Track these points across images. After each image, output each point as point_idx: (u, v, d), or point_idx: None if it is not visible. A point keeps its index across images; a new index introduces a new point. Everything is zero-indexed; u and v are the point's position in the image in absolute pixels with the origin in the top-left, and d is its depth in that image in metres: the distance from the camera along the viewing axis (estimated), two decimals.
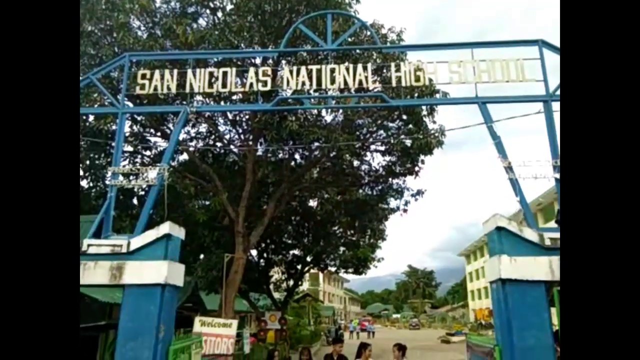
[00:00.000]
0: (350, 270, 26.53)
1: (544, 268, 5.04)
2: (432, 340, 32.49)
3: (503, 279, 5.06)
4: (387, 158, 15.85)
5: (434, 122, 13.40)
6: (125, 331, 5.12)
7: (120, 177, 6.52)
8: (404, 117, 13.54)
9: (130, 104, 11.19)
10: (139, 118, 14.48)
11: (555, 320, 5.03)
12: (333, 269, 28.71)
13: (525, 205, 5.66)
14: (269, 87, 6.95)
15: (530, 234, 5.27)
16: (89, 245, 5.55)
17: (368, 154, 16.07)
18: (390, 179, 17.25)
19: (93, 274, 5.39)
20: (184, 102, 7.39)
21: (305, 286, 48.33)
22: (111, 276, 5.35)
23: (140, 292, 5.27)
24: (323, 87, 6.82)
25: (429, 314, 77.47)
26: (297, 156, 16.73)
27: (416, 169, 15.22)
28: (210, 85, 6.89)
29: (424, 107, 12.87)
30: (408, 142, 13.79)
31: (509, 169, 5.74)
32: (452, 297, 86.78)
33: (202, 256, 19.36)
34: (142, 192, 16.13)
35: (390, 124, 14.29)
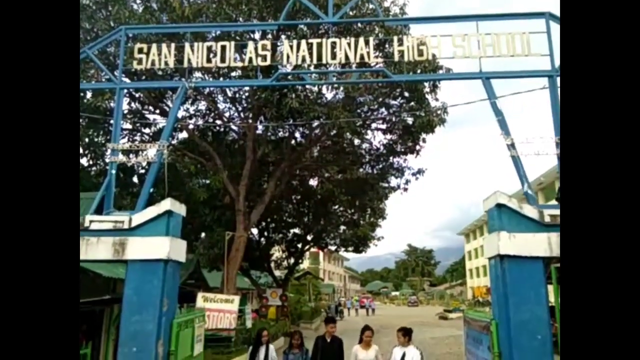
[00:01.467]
0: (350, 249, 26.78)
1: (542, 244, 5.06)
2: (430, 317, 32.98)
3: (501, 254, 5.08)
4: (388, 136, 15.80)
5: (437, 100, 13.30)
6: (130, 305, 5.19)
7: (120, 155, 6.50)
8: (406, 94, 13.42)
9: (128, 80, 11.08)
10: (137, 95, 14.36)
11: (551, 297, 5.07)
12: (333, 248, 28.96)
13: (526, 182, 5.66)
14: (268, 62, 6.85)
15: (530, 211, 5.27)
16: (91, 222, 5.57)
17: (369, 132, 16.01)
18: (391, 158, 17.23)
19: (96, 250, 5.43)
20: (183, 78, 7.31)
21: (305, 264, 48.85)
22: (114, 252, 5.40)
23: (143, 267, 5.32)
24: (324, 62, 6.72)
25: (428, 291, 78.46)
26: (297, 135, 16.66)
27: (417, 147, 15.18)
28: (209, 60, 6.79)
29: (426, 84, 12.73)
30: (410, 120, 13.71)
31: (511, 146, 5.71)
32: (451, 275, 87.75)
33: (203, 235, 19.53)
34: (143, 170, 16.14)
35: (392, 102, 14.18)
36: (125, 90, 10.56)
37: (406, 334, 6.20)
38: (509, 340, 4.86)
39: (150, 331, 5.06)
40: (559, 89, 5.85)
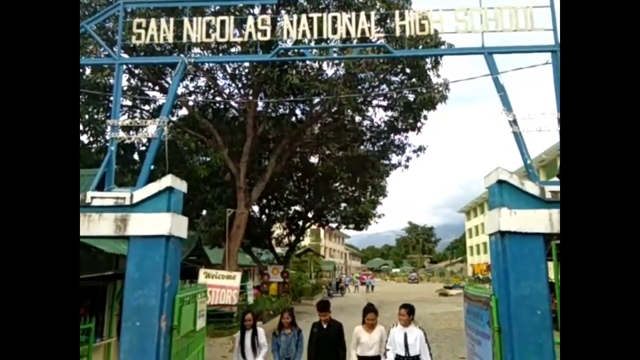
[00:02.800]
0: (350, 226, 26.95)
1: (543, 221, 5.06)
2: (430, 294, 33.47)
3: (502, 231, 5.08)
4: (389, 113, 15.70)
5: (438, 76, 13.14)
6: (132, 280, 5.23)
7: (120, 132, 6.46)
8: (408, 70, 13.25)
9: (127, 56, 10.93)
10: (136, 72, 14.20)
11: (551, 274, 5.09)
12: (334, 225, 29.14)
13: (528, 159, 5.62)
14: (268, 37, 6.73)
15: (531, 187, 5.25)
16: (92, 198, 5.57)
17: (370, 109, 15.90)
18: (392, 135, 17.17)
19: (97, 226, 5.44)
20: (182, 54, 7.20)
21: (306, 242, 49.28)
22: (116, 227, 5.41)
23: (145, 243, 5.34)
24: (324, 37, 6.61)
25: (428, 268, 79.42)
26: (297, 112, 16.56)
27: (418, 124, 15.09)
28: (208, 35, 6.66)
29: (428, 60, 12.55)
30: (411, 97, 13.58)
31: (513, 122, 5.65)
32: (451, 252, 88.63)
33: (204, 212, 19.65)
34: (143, 148, 16.11)
35: (393, 78, 14.02)
36: (125, 67, 10.43)
37: (411, 312, 5.64)
38: (508, 315, 4.90)
39: (153, 306, 5.11)
40: None
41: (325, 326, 5.93)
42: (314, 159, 21.19)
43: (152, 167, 6.61)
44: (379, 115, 17.38)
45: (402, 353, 5.47)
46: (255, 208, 22.41)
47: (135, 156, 17.51)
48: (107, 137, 7.86)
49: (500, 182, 5.26)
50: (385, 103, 15.18)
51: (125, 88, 14.40)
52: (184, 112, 17.27)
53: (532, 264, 4.98)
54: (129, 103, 15.57)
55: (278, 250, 27.94)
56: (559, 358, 4.76)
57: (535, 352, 4.71)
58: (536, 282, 4.93)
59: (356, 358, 5.70)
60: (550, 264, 5.15)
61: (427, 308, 21.88)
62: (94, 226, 5.45)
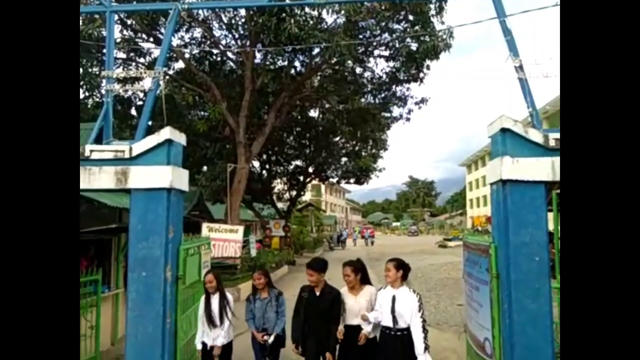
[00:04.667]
0: (351, 180, 27.02)
1: (545, 169, 5.01)
2: (429, 246, 34.14)
3: (504, 180, 5.04)
4: (391, 64, 15.30)
5: (442, 23, 12.66)
6: (136, 233, 5.28)
7: (116, 84, 6.30)
8: (410, 17, 12.75)
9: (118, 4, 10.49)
10: (129, 22, 13.70)
11: (550, 225, 5.10)
12: (334, 180, 29.25)
13: (533, 106, 5.50)
14: None
15: (535, 135, 5.16)
16: (91, 151, 5.52)
17: (371, 59, 15.50)
18: (393, 87, 16.83)
19: (98, 179, 5.43)
20: (175, 1, 6.88)
21: (307, 196, 49.71)
22: (117, 181, 5.39)
23: (146, 196, 5.35)
24: None
25: (428, 222, 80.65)
26: (297, 63, 16.14)
27: (421, 75, 14.74)
28: None
29: (432, 6, 12.04)
30: (414, 46, 13.16)
31: (519, 68, 5.48)
32: (451, 206, 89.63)
33: (205, 168, 19.67)
34: (141, 102, 15.87)
35: (396, 26, 13.51)
36: (117, 17, 10.03)
37: (400, 267, 4.40)
38: (507, 262, 4.94)
39: (158, 257, 5.19)
40: None
41: (317, 293, 4.70)
42: (314, 113, 20.94)
43: (150, 122, 6.51)
44: (380, 66, 17.07)
45: (388, 323, 4.23)
46: (256, 164, 22.42)
47: (133, 111, 17.29)
48: (103, 91, 7.70)
49: (504, 131, 5.17)
50: (387, 53, 14.75)
51: (118, 40, 13.96)
52: (180, 65, 16.86)
53: (532, 212, 4.98)
54: (123, 56, 15.16)
55: (279, 205, 28.22)
56: (556, 303, 4.92)
57: (532, 297, 4.80)
58: (536, 229, 4.96)
59: (341, 336, 4.53)
60: (550, 215, 5.15)
61: (427, 259, 22.39)
62: (95, 179, 5.43)
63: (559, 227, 4.70)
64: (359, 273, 4.62)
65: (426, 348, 4.01)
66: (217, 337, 4.93)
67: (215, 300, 5.06)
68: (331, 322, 4.56)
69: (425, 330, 4.13)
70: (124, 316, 5.46)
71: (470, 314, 6.08)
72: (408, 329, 4.14)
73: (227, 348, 4.97)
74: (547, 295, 4.80)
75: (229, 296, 5.15)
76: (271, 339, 4.81)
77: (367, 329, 4.42)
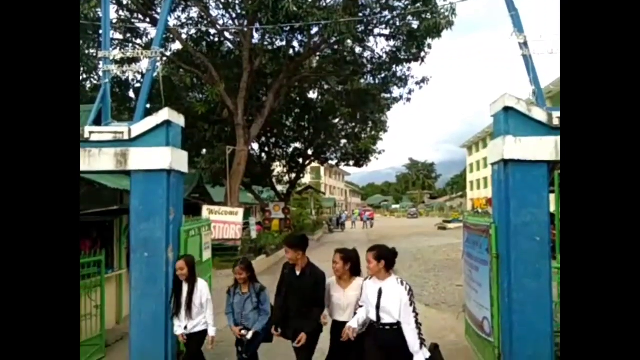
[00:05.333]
0: (351, 163, 26.92)
1: (548, 148, 4.96)
2: (429, 228, 34.21)
3: (506, 159, 5.00)
4: (392, 43, 15.06)
5: (444, 0, 12.42)
6: (137, 214, 5.29)
7: (113, 66, 6.21)
8: None
9: None
10: (125, 1, 13.46)
11: (552, 207, 5.07)
12: (334, 162, 29.19)
13: (537, 83, 5.42)
14: None
15: (539, 114, 5.09)
16: (90, 133, 5.48)
17: (371, 38, 15.23)
18: (394, 66, 16.59)
19: (98, 161, 5.40)
20: None
21: (307, 179, 49.73)
22: (117, 162, 5.37)
23: (146, 177, 5.33)
24: None
25: (428, 204, 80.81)
26: (295, 44, 15.91)
27: (422, 54, 14.52)
28: None
29: None
30: (415, 25, 12.94)
31: (523, 44, 5.39)
32: (452, 188, 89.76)
33: (204, 151, 19.62)
34: (139, 85, 15.71)
35: (397, 3, 13.24)
36: None
37: (380, 257, 3.75)
38: (507, 242, 4.94)
39: (159, 238, 5.21)
40: None
41: (298, 273, 4.24)
42: (313, 94, 20.75)
43: (148, 105, 6.44)
44: (380, 46, 16.80)
45: (374, 318, 3.77)
46: (255, 146, 22.33)
47: (131, 94, 17.14)
48: (100, 73, 7.60)
49: (507, 109, 5.11)
50: (387, 32, 14.49)
51: (114, 20, 13.73)
52: (177, 46, 16.63)
53: (534, 192, 4.95)
54: (120, 37, 14.94)
55: (279, 188, 28.23)
56: (555, 283, 4.94)
57: (533, 276, 4.82)
58: (537, 209, 4.94)
59: (325, 321, 4.26)
60: (552, 197, 5.12)
61: (427, 241, 22.48)
62: (95, 161, 5.41)
63: (559, 203, 4.67)
64: (349, 263, 4.11)
65: (422, 343, 3.64)
66: (183, 325, 4.66)
67: (186, 287, 4.66)
68: (314, 305, 4.16)
69: (418, 325, 3.69)
70: (128, 296, 5.50)
71: (470, 293, 6.13)
72: (398, 323, 3.67)
73: (198, 336, 4.67)
74: (547, 275, 4.82)
75: (202, 284, 4.76)
76: (249, 335, 4.44)
77: (352, 324, 3.87)
